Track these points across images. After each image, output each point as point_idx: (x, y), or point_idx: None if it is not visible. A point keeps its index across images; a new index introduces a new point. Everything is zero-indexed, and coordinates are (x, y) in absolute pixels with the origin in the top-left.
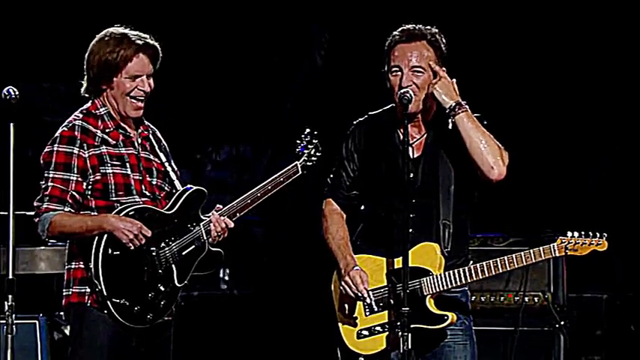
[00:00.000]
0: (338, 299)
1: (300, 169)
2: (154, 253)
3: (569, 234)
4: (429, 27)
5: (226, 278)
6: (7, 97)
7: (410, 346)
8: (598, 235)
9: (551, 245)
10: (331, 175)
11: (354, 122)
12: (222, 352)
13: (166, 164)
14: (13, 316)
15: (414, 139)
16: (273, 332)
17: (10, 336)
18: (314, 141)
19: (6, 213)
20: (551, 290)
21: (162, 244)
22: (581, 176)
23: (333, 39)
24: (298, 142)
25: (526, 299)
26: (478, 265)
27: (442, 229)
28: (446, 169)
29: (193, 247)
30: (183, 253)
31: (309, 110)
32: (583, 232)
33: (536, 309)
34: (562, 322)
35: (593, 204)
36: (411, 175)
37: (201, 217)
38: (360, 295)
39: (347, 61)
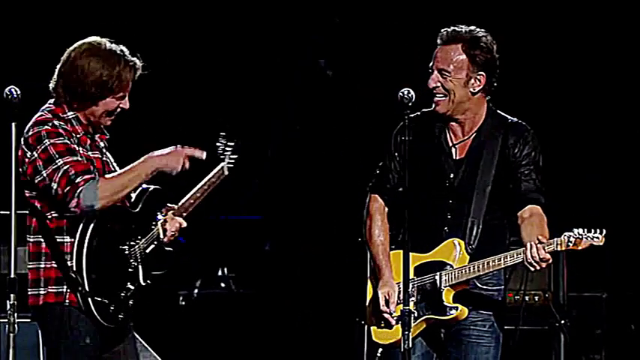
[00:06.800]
0: (371, 294)
1: (225, 170)
2: (126, 252)
3: (575, 230)
4: (473, 29)
5: (222, 275)
6: (9, 97)
7: (411, 344)
8: (598, 230)
9: (555, 239)
10: (378, 170)
11: (406, 117)
12: (223, 351)
13: (115, 165)
14: (15, 315)
15: (459, 140)
16: (275, 331)
17: (12, 335)
18: (230, 143)
19: (8, 212)
20: (552, 289)
21: (132, 242)
22: (581, 175)
23: (336, 41)
24: (218, 145)
25: (526, 298)
26: (486, 259)
27: (469, 226)
28: (486, 171)
29: (153, 245)
30: (147, 252)
31: (311, 110)
32: (585, 229)
33: (537, 308)
34: (562, 321)
35: (592, 203)
36: (451, 176)
37: (159, 216)
38: (383, 312)
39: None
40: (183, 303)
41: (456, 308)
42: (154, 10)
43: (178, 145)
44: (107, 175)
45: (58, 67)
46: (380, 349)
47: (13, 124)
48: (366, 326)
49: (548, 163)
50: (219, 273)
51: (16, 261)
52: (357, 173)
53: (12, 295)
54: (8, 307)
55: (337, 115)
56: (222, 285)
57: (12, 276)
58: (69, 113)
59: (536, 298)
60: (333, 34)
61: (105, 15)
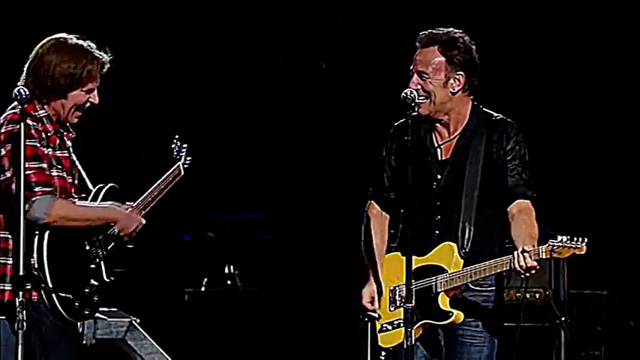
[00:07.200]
0: None
1: (182, 170)
2: (87, 248)
3: (559, 237)
4: (450, 30)
5: (228, 272)
6: (18, 97)
7: (414, 343)
8: (580, 239)
9: (540, 248)
10: (373, 177)
11: (395, 124)
12: (229, 348)
13: (77, 162)
14: (24, 312)
15: (444, 141)
16: (280, 329)
17: (20, 332)
18: (184, 146)
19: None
20: (552, 287)
21: (94, 239)
22: (581, 175)
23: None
24: (173, 146)
25: (527, 295)
26: (478, 265)
27: (461, 229)
28: (473, 173)
29: (114, 243)
30: (108, 249)
31: (313, 110)
32: (569, 237)
33: (538, 305)
34: (563, 318)
35: (592, 202)
36: (438, 177)
37: None
38: (367, 311)
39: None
40: (189, 300)
41: (452, 313)
42: (152, 11)
43: (140, 217)
44: (69, 200)
45: (27, 64)
46: (383, 353)
47: (22, 123)
48: (369, 324)
49: (548, 161)
50: (225, 270)
51: (24, 259)
52: (362, 171)
53: (20, 293)
54: (17, 304)
55: (340, 114)
56: (228, 282)
57: (20, 274)
58: (40, 112)
59: (537, 295)
60: (336, 35)
61: (105, 16)
